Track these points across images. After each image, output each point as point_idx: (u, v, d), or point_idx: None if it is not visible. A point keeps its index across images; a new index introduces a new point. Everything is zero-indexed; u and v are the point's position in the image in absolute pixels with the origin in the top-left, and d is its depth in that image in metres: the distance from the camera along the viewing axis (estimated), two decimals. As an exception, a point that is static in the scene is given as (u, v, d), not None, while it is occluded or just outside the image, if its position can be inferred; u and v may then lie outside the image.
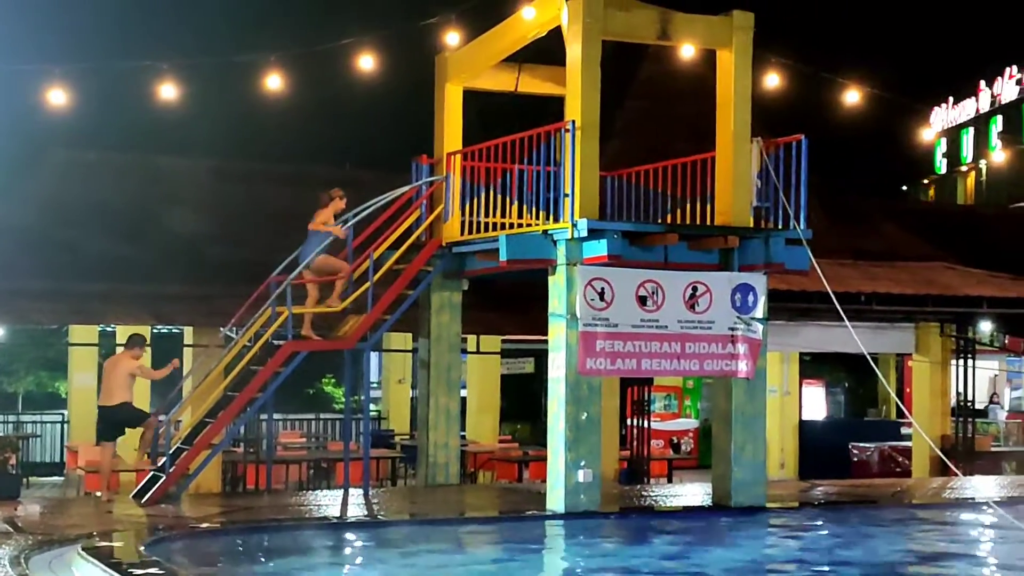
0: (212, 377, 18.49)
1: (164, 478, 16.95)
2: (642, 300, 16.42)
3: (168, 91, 19.39)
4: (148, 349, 18.67)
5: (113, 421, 17.79)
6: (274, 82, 19.72)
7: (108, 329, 25.27)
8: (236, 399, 17.46)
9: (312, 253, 18.11)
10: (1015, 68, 58.25)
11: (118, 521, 15.22)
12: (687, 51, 18.48)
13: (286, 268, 18.35)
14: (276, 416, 21.26)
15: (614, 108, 23.30)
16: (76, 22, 35.51)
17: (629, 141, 22.97)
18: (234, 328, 18.66)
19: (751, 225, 17.06)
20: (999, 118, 59.91)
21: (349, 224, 18.56)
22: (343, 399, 22.26)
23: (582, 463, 16.27)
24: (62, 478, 23.52)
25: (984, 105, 61.02)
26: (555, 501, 16.36)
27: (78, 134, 26.57)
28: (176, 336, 25.08)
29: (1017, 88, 58.18)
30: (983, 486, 20.89)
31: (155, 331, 24.33)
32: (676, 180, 17.82)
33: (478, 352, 25.23)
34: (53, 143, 24.03)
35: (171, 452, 17.23)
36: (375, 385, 31.21)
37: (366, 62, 19.66)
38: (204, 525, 15.16)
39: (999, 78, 59.51)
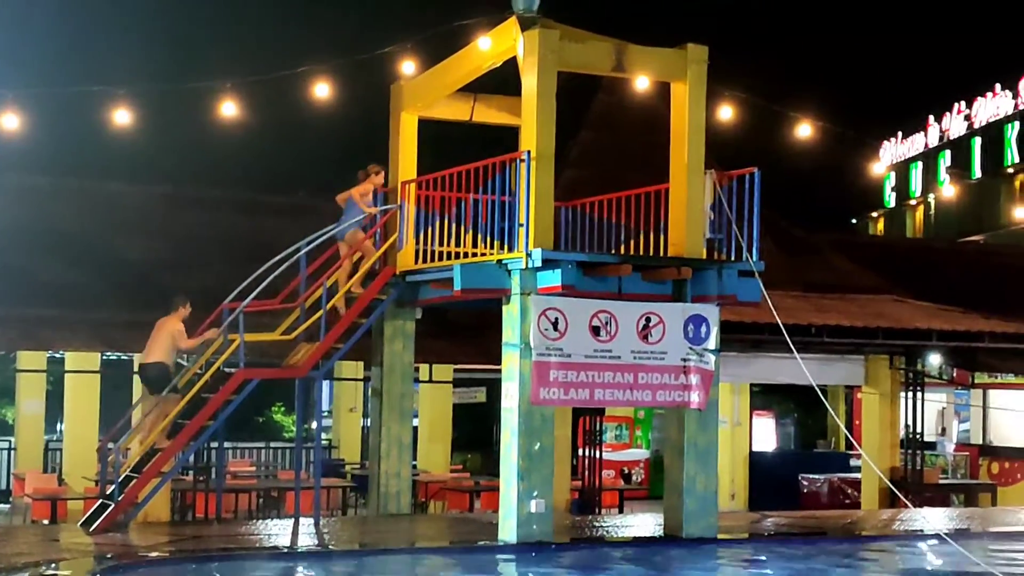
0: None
1: (113, 506, 16.79)
2: (596, 330, 16.45)
3: (122, 117, 19.30)
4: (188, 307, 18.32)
5: (145, 378, 17.88)
6: (229, 109, 19.66)
7: (57, 355, 25.05)
8: (186, 427, 17.33)
9: (347, 223, 18.35)
10: (963, 104, 58.92)
11: (66, 550, 15.06)
12: (641, 83, 18.60)
13: (239, 295, 18.26)
14: (226, 444, 21.11)
15: (569, 139, 23.43)
16: (29, 46, 35.33)
17: (583, 172, 23.05)
18: (185, 355, 18.52)
19: (704, 257, 17.15)
20: (947, 153, 60.53)
21: (379, 209, 18.65)
22: (294, 428, 22.16)
23: (534, 493, 16.24)
24: (8, 506, 23.26)
25: (933, 140, 61.67)
26: (507, 531, 16.33)
27: (30, 159, 26.42)
28: (126, 363, 24.89)
29: (965, 123, 58.84)
30: (933, 518, 21.02)
31: (104, 357, 24.13)
32: (630, 211, 17.89)
33: (430, 381, 25.19)
34: (5, 168, 23.85)
35: (120, 480, 17.08)
36: (326, 414, 31.07)
37: (321, 90, 19.65)
38: (153, 554, 15.02)
39: (947, 113, 60.16)
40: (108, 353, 24.18)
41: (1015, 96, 55.22)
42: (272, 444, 30.48)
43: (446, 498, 23.14)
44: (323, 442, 27.09)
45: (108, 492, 17.09)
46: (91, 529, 16.62)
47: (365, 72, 20.12)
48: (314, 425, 20.69)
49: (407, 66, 19.33)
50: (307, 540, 16.59)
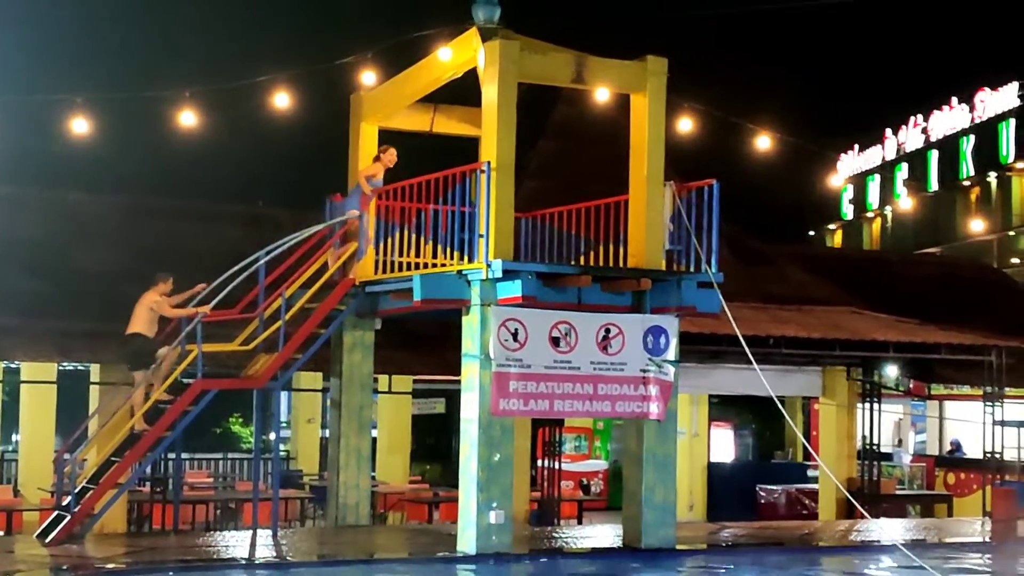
0: (119, 415, 18.25)
1: (69, 518, 16.66)
2: (555, 341, 16.48)
3: (81, 126, 19.21)
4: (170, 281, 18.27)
5: (125, 353, 17.92)
6: (188, 118, 19.60)
7: (12, 366, 24.85)
8: (143, 438, 17.23)
9: (348, 208, 18.53)
10: (920, 117, 59.39)
11: (21, 561, 14.95)
12: (601, 95, 18.66)
13: (197, 305, 18.15)
14: (184, 455, 21.00)
15: (529, 150, 23.45)
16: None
17: (544, 183, 23.07)
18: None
19: (663, 268, 17.21)
20: (904, 165, 61.00)
21: (377, 188, 18.57)
22: (252, 438, 22.06)
23: (494, 504, 16.24)
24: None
25: (890, 153, 62.13)
26: (466, 542, 16.31)
27: (-11, 168, 26.20)
28: (82, 373, 24.73)
29: (922, 136, 59.30)
30: (890, 529, 21.14)
31: (61, 368, 23.97)
32: (590, 222, 17.93)
33: (389, 392, 25.13)
34: (-37, 177, 23.69)
35: (76, 491, 16.96)
36: (285, 425, 30.96)
37: (281, 100, 19.62)
38: (109, 566, 14.92)
39: (904, 127, 60.64)
40: (65, 364, 24.03)
41: (971, 110, 55.73)
42: (230, 455, 30.32)
43: (405, 509, 23.09)
44: (281, 453, 26.95)
45: (64, 503, 16.97)
46: (47, 541, 16.49)
47: (325, 82, 20.12)
48: (272, 436, 20.59)
49: (367, 76, 19.33)
50: (265, 552, 16.51)
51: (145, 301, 17.89)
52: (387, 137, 19.68)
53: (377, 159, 18.75)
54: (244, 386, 18.41)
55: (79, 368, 25.39)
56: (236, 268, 18.17)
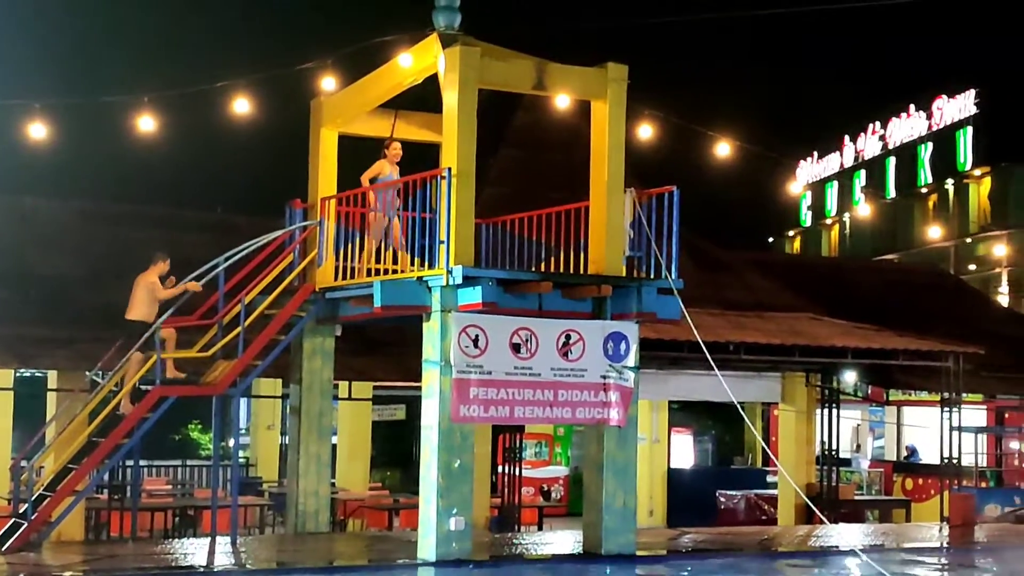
0: (77, 422, 18.11)
1: (25, 525, 16.52)
2: (516, 348, 16.47)
3: (37, 131, 19.06)
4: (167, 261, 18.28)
5: (130, 334, 17.75)
6: (146, 124, 19.49)
7: (-32, 372, 24.62)
8: (101, 445, 17.11)
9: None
10: (878, 124, 59.80)
11: (-24, 570, 14.80)
12: (562, 101, 18.67)
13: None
14: (142, 462, 20.88)
15: (489, 156, 23.45)
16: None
17: (504, 189, 23.09)
18: (100, 372, 18.31)
19: (624, 274, 17.22)
20: (862, 172, 61.43)
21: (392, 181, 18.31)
22: (211, 445, 21.98)
23: (454, 511, 16.21)
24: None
25: (848, 160, 62.55)
26: (426, 549, 16.28)
27: (-58, 172, 26.01)
28: (39, 380, 24.54)
29: (880, 144, 59.73)
30: (848, 534, 21.24)
31: (18, 375, 23.78)
32: (550, 228, 17.93)
33: (350, 398, 25.06)
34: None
35: (33, 499, 16.82)
36: (244, 431, 30.82)
37: (241, 105, 19.53)
38: (67, 574, 14.80)
39: (862, 134, 61.07)
40: (22, 370, 23.82)
41: (929, 117, 56.19)
42: (189, 462, 30.18)
43: (365, 516, 23.03)
44: (241, 460, 26.84)
45: (21, 511, 16.82)
46: (3, 549, 16.34)
47: (285, 87, 20.04)
48: (232, 443, 20.49)
49: (327, 82, 19.26)
50: (224, 559, 16.43)
51: (142, 283, 17.93)
52: (347, 143, 19.62)
53: (382, 156, 18.55)
54: (203, 393, 18.30)
55: (36, 375, 25.20)
56: (195, 274, 18.08)
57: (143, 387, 17.57)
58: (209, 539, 18.12)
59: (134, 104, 19.48)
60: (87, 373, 18.56)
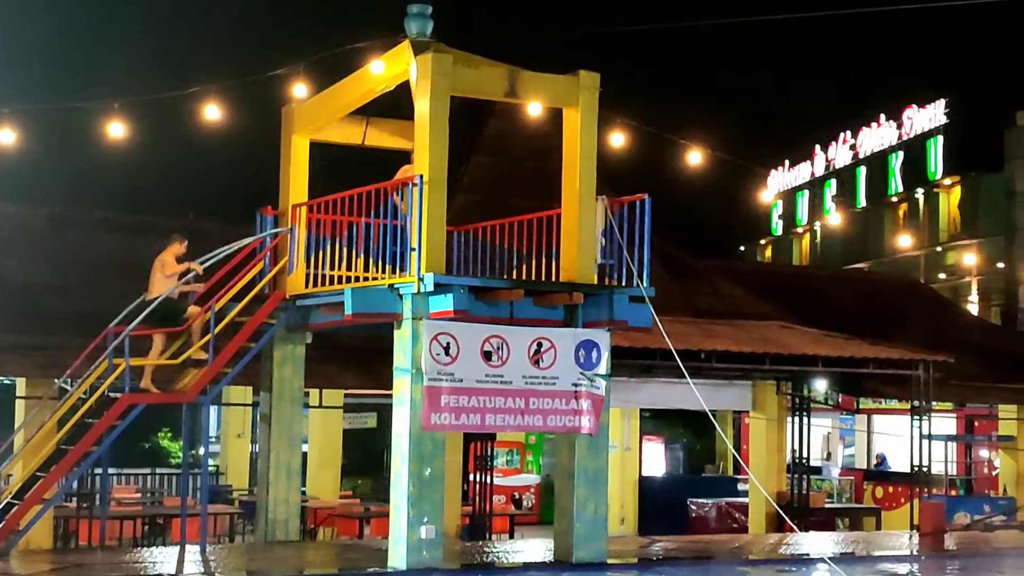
0: (45, 430, 17.99)
1: (-8, 534, 16.41)
2: (487, 355, 16.44)
3: (6, 136, 18.96)
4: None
5: (151, 314, 17.79)
6: (117, 129, 19.39)
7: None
8: (70, 453, 17.00)
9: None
10: (849, 134, 60.04)
11: (-58, 579, 14.68)
12: (534, 109, 18.66)
13: (124, 319, 17.96)
14: (111, 470, 20.76)
15: (461, 163, 23.43)
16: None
17: (476, 196, 23.08)
18: (69, 380, 18.20)
19: (595, 282, 17.22)
20: (833, 182, 61.66)
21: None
22: (180, 453, 21.87)
23: (425, 519, 16.17)
24: None
25: (819, 169, 62.78)
26: (397, 558, 16.22)
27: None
28: (7, 387, 24.37)
29: (851, 153, 59.97)
30: (818, 542, 21.28)
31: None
32: (522, 236, 17.92)
33: (320, 406, 24.96)
34: None
35: (1, 507, 16.69)
36: (214, 440, 30.69)
37: (212, 111, 19.46)
38: (34, 583, 14.70)
39: (833, 143, 61.30)
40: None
41: (899, 127, 56.44)
42: (158, 470, 30.03)
43: (335, 524, 22.94)
44: (210, 468, 26.72)
45: (-12, 519, 16.68)
46: (-30, 558, 16.22)
47: (256, 94, 19.99)
48: (201, 451, 20.38)
49: (299, 89, 19.23)
50: (193, 568, 16.34)
51: (156, 262, 18.13)
52: (318, 150, 19.55)
53: (410, 163, 18.24)
54: (172, 400, 18.22)
55: (4, 382, 25.02)
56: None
57: (112, 394, 17.46)
58: (178, 548, 18.02)
59: (104, 109, 19.39)
60: (56, 381, 18.43)
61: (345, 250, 17.91)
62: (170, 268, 18.24)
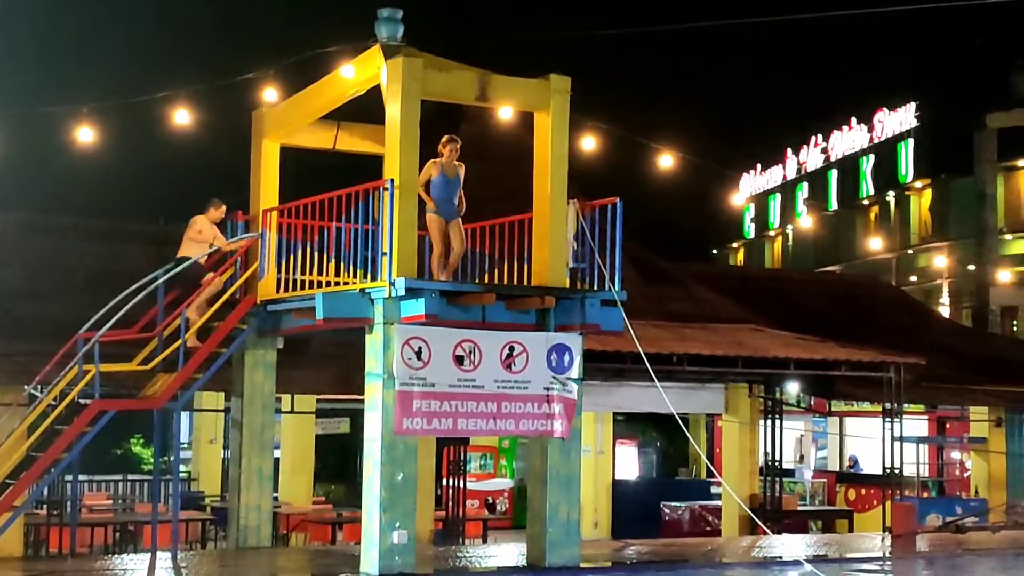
0: (15, 437, 17.87)
1: (-39, 542, 16.29)
2: (459, 360, 16.41)
3: (-26, 141, 18.84)
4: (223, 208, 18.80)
5: (175, 275, 18.06)
6: (86, 134, 19.29)
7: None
8: (39, 460, 16.88)
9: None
10: (820, 137, 60.26)
11: (-90, 588, 14.57)
12: (505, 113, 18.65)
13: (94, 324, 17.86)
14: (82, 477, 20.65)
15: (433, 168, 23.34)
16: None
17: (447, 201, 22.98)
18: (39, 386, 18.09)
19: (567, 286, 17.20)
20: (805, 185, 61.88)
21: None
22: (152, 460, 21.77)
23: (397, 524, 16.12)
24: None
25: (791, 172, 62.99)
26: (369, 563, 16.17)
27: None
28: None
29: (822, 156, 60.20)
30: (791, 544, 21.32)
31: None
32: (494, 240, 17.91)
33: (292, 412, 24.91)
34: None
35: (-31, 515, 16.57)
36: (185, 445, 30.55)
37: (182, 116, 19.38)
38: (3, 591, 14.60)
39: (805, 146, 61.52)
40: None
41: (870, 130, 56.68)
42: (130, 477, 29.87)
43: (308, 530, 22.87)
44: (182, 474, 26.60)
45: (-43, 528, 16.56)
46: (-62, 566, 16.10)
47: (227, 98, 19.92)
48: (172, 457, 20.28)
49: (269, 93, 19.16)
50: (164, 575, 16.25)
51: (191, 224, 18.39)
52: (289, 154, 19.48)
53: (441, 154, 17.97)
54: (143, 407, 18.12)
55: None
56: (135, 287, 17.90)
57: (82, 401, 17.35)
58: (150, 555, 17.94)
59: (74, 114, 19.30)
60: (25, 387, 18.32)
61: (316, 255, 17.86)
62: (201, 233, 18.46)
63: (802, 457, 34.57)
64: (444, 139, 17.47)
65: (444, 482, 23.44)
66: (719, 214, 64.42)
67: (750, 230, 67.79)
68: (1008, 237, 51.66)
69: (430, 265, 17.30)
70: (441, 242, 17.14)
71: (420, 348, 16.14)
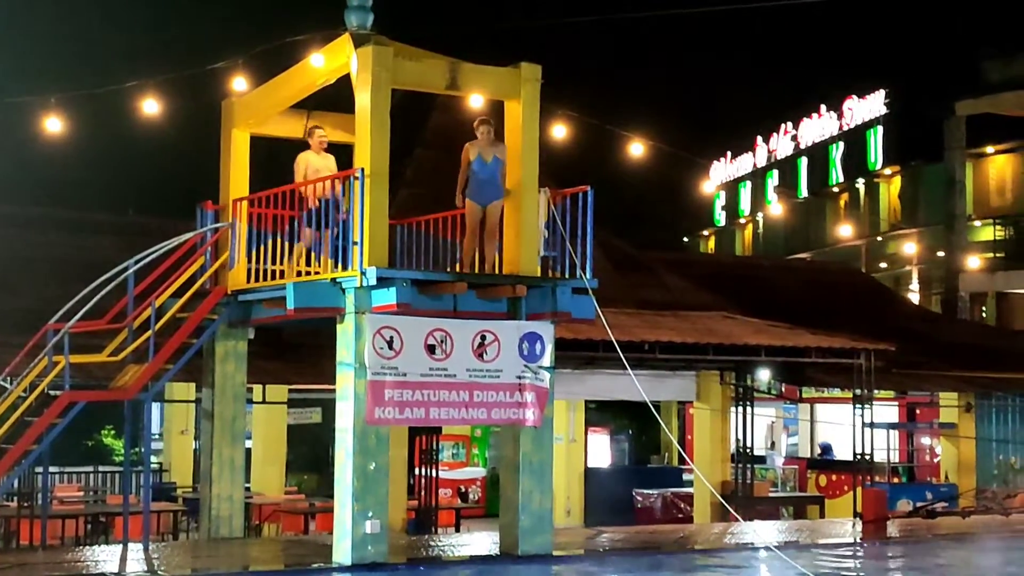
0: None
1: (-69, 535, 16.20)
2: (431, 349, 16.41)
3: (-60, 132, 18.72)
4: None
5: None
6: (54, 124, 19.18)
7: None
8: (9, 452, 16.80)
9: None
10: (790, 124, 60.34)
11: None
12: (476, 101, 18.62)
13: (64, 315, 17.76)
14: (52, 469, 20.55)
15: (403, 157, 23.36)
16: None
17: (419, 190, 23.01)
18: (8, 378, 17.99)
19: (538, 274, 17.21)
20: (775, 172, 61.94)
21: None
22: (123, 451, 21.68)
23: (369, 514, 16.11)
24: None
25: (761, 160, 63.03)
26: (342, 553, 16.16)
27: None
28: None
29: (792, 144, 60.24)
30: (763, 531, 21.40)
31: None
32: (465, 229, 17.87)
33: (264, 402, 24.80)
34: None
35: (-61, 508, 16.49)
36: (156, 436, 30.42)
37: (150, 106, 19.29)
38: (-27, 584, 14.53)
39: (775, 134, 61.55)
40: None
41: (839, 117, 56.74)
42: (101, 468, 29.73)
43: (280, 520, 22.83)
44: (153, 465, 26.52)
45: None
46: (-93, 559, 16.01)
47: (195, 88, 19.83)
48: (144, 448, 20.22)
49: (238, 82, 19.09)
50: (136, 566, 16.19)
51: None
52: (258, 144, 19.41)
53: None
54: (113, 398, 18.06)
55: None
56: (104, 277, 17.80)
57: (52, 392, 17.27)
58: (121, 546, 17.88)
59: (41, 104, 19.17)
60: (-6, 379, 18.22)
61: (287, 244, 17.81)
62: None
63: (773, 444, 34.68)
64: (476, 121, 17.40)
65: (416, 471, 23.43)
66: (690, 202, 64.46)
67: (721, 218, 67.85)
68: (977, 224, 51.83)
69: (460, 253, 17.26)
70: (474, 233, 17.07)
71: (392, 337, 16.13)
